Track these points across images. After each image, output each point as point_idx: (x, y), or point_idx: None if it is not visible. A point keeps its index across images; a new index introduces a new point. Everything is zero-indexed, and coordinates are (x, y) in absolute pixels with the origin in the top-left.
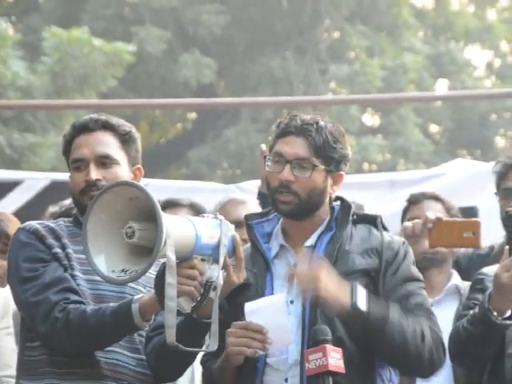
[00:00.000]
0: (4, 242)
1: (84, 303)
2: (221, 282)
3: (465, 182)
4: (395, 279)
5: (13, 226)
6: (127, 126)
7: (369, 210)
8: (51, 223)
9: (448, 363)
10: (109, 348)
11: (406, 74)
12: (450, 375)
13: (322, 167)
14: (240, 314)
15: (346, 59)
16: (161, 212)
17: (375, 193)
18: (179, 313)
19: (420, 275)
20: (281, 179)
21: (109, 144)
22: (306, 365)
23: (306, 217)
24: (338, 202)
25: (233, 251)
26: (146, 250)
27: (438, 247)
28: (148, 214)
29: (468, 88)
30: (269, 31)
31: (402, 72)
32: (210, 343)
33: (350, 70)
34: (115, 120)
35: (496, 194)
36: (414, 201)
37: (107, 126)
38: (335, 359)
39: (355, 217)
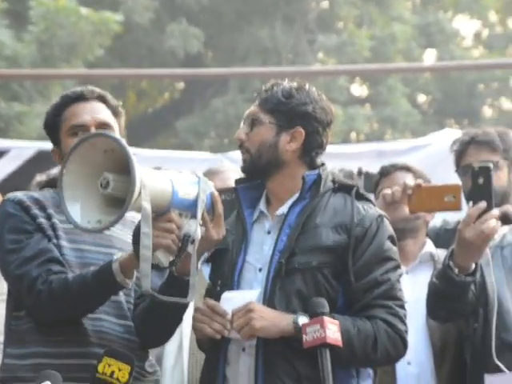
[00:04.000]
0: None
1: (66, 273)
2: (198, 235)
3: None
4: (364, 260)
5: None
6: (114, 100)
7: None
8: (36, 194)
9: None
10: (95, 315)
11: (395, 44)
12: (426, 338)
13: (269, 121)
14: (217, 278)
15: (335, 29)
16: (135, 162)
17: (362, 163)
18: (158, 267)
19: (392, 251)
20: (235, 138)
21: (106, 113)
22: (304, 337)
23: (263, 175)
24: (316, 171)
25: (211, 207)
26: (121, 202)
27: (419, 212)
28: (124, 166)
29: (456, 58)
30: (257, 1)
31: (390, 42)
32: (189, 295)
33: (338, 40)
34: (106, 93)
35: (456, 171)
36: (384, 173)
37: (101, 97)
38: (333, 331)
39: (336, 185)
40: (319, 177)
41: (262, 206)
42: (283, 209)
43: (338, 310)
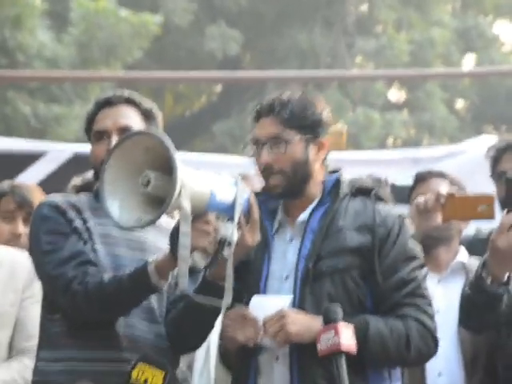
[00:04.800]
0: (28, 211)
1: (102, 275)
2: (235, 238)
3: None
4: (389, 260)
5: (35, 195)
6: (149, 102)
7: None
8: (72, 197)
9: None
10: (128, 321)
11: (434, 49)
12: (458, 348)
13: (297, 137)
14: (243, 290)
15: (373, 33)
16: (177, 161)
17: (398, 169)
18: (193, 270)
19: (416, 250)
20: (261, 163)
21: (131, 117)
22: (318, 345)
23: (299, 192)
24: (335, 175)
25: (248, 212)
26: (161, 201)
27: (452, 221)
28: (165, 164)
29: (495, 63)
30: (296, 4)
31: (429, 46)
32: (224, 299)
33: (376, 44)
34: (138, 96)
35: (491, 177)
36: (420, 179)
37: (130, 101)
38: (348, 337)
39: (354, 190)
40: (338, 181)
41: (280, 216)
42: (304, 215)
43: (366, 311)
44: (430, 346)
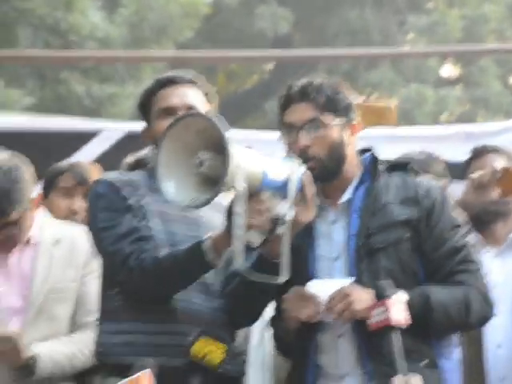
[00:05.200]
0: (86, 189)
1: (158, 251)
2: (289, 216)
3: None
4: (438, 230)
5: (93, 173)
6: (209, 86)
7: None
8: (128, 175)
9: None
10: (185, 294)
11: (487, 24)
12: None
13: (334, 121)
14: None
15: (425, 9)
16: (229, 141)
17: (451, 144)
18: (249, 247)
19: (460, 218)
20: (299, 147)
21: (196, 97)
22: (369, 320)
23: (336, 175)
24: (368, 154)
25: (302, 189)
26: (215, 181)
27: (510, 195)
28: (216, 145)
29: None
30: None
31: (482, 22)
32: (282, 275)
33: (428, 21)
34: (200, 78)
35: None
36: (477, 154)
37: (193, 82)
38: (398, 312)
39: (387, 165)
40: (375, 158)
41: (318, 200)
42: (346, 195)
43: (420, 282)
44: (488, 309)
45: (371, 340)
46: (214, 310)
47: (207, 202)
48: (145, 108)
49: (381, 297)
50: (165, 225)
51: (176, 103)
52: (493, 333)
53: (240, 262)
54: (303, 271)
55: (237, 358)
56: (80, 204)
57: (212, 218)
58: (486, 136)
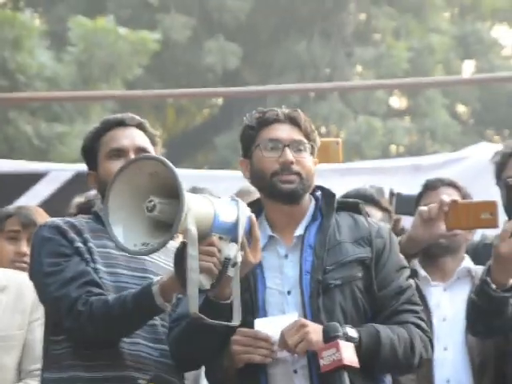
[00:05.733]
0: (32, 232)
1: (106, 295)
2: (239, 259)
3: (487, 166)
4: (386, 269)
5: (40, 216)
6: (153, 130)
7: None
8: (71, 219)
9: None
10: (132, 340)
11: (433, 55)
12: (465, 355)
13: (310, 149)
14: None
15: (372, 42)
16: (183, 186)
17: (400, 177)
18: (199, 290)
19: (404, 260)
20: (283, 161)
21: (145, 140)
22: (321, 362)
23: (302, 200)
24: (319, 191)
25: (249, 231)
26: (166, 225)
27: (455, 229)
28: (168, 189)
29: (496, 68)
30: (293, 15)
31: (428, 53)
32: (234, 318)
33: (375, 53)
34: (145, 122)
35: (497, 184)
36: (430, 186)
37: (141, 126)
38: (349, 353)
39: (338, 205)
40: (328, 195)
41: (268, 231)
42: (299, 231)
43: (368, 321)
44: (429, 350)
45: (326, 376)
46: (161, 353)
47: (159, 247)
48: (90, 150)
49: (329, 338)
50: (110, 268)
51: (126, 145)
52: (442, 368)
53: (195, 307)
54: (253, 304)
55: None
56: (27, 248)
57: (156, 260)
58: (433, 168)
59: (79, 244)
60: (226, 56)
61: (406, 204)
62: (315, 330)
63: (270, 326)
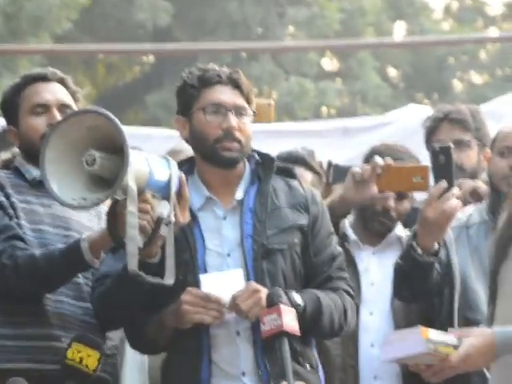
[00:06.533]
0: None
1: (30, 250)
2: (173, 218)
3: (416, 128)
4: (320, 236)
5: None
6: (75, 86)
7: (322, 157)
8: None
9: (389, 310)
10: (56, 297)
11: (364, 17)
12: (391, 320)
13: (250, 112)
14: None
15: (305, 2)
16: (127, 141)
17: (329, 140)
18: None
19: (332, 227)
20: (227, 127)
21: (67, 95)
22: (262, 327)
23: (238, 164)
24: (255, 154)
25: (179, 191)
26: (104, 180)
27: (387, 192)
28: (108, 143)
29: (426, 31)
30: None
31: (360, 15)
32: (166, 276)
33: (308, 14)
34: (67, 77)
35: (427, 148)
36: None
37: (62, 81)
38: (290, 319)
39: (276, 169)
40: (266, 159)
41: (205, 192)
42: (239, 194)
43: (302, 287)
44: (355, 315)
45: (266, 340)
46: (84, 312)
47: (100, 202)
48: (10, 105)
49: (271, 303)
50: (33, 224)
51: (49, 99)
52: (367, 332)
53: (134, 264)
54: (192, 264)
55: (108, 361)
56: None
57: (80, 218)
58: (362, 130)
59: (2, 198)
60: (158, 12)
61: (342, 174)
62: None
63: (216, 283)
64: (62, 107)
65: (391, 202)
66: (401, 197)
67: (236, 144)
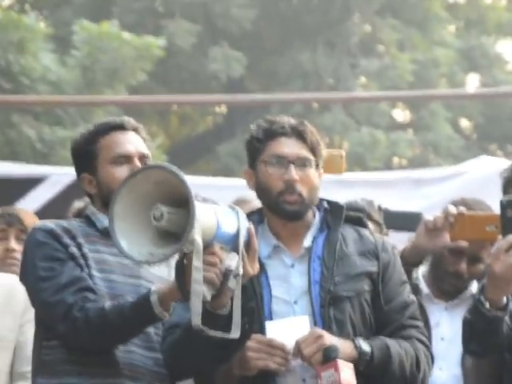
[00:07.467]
0: (19, 229)
1: (101, 302)
2: (241, 270)
3: (488, 180)
4: (392, 284)
5: (27, 216)
6: (145, 132)
7: (394, 207)
8: (65, 223)
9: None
10: (126, 347)
11: (437, 68)
12: (461, 376)
13: (315, 164)
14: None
15: (377, 53)
16: (194, 196)
17: (400, 191)
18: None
19: (405, 275)
20: (288, 179)
21: (144, 145)
22: (319, 382)
23: (305, 216)
24: (324, 202)
25: (248, 242)
26: (171, 234)
27: (460, 240)
28: (174, 197)
29: (499, 82)
30: (298, 25)
31: (432, 66)
32: (233, 330)
33: (380, 65)
34: (140, 125)
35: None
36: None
37: (136, 130)
38: (347, 374)
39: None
40: (336, 208)
41: (273, 240)
42: (307, 242)
43: (373, 335)
44: (431, 366)
45: None
46: (155, 362)
47: (166, 258)
48: (85, 153)
49: (329, 358)
50: (104, 274)
51: (131, 150)
52: None
53: (198, 320)
54: (259, 312)
55: None
56: (15, 244)
57: (150, 267)
58: (433, 182)
59: (74, 249)
60: (231, 64)
61: (392, 219)
62: (331, 341)
63: (281, 330)
64: (143, 158)
65: (463, 266)
66: (474, 260)
67: (297, 197)
